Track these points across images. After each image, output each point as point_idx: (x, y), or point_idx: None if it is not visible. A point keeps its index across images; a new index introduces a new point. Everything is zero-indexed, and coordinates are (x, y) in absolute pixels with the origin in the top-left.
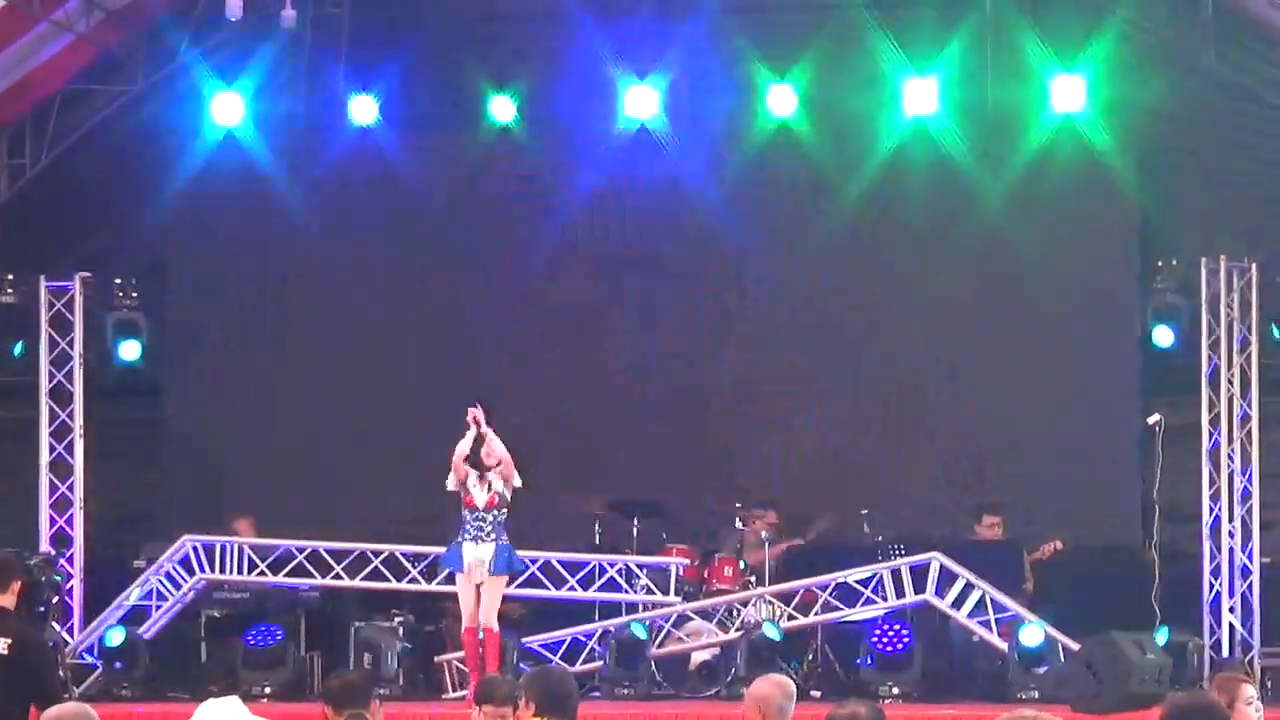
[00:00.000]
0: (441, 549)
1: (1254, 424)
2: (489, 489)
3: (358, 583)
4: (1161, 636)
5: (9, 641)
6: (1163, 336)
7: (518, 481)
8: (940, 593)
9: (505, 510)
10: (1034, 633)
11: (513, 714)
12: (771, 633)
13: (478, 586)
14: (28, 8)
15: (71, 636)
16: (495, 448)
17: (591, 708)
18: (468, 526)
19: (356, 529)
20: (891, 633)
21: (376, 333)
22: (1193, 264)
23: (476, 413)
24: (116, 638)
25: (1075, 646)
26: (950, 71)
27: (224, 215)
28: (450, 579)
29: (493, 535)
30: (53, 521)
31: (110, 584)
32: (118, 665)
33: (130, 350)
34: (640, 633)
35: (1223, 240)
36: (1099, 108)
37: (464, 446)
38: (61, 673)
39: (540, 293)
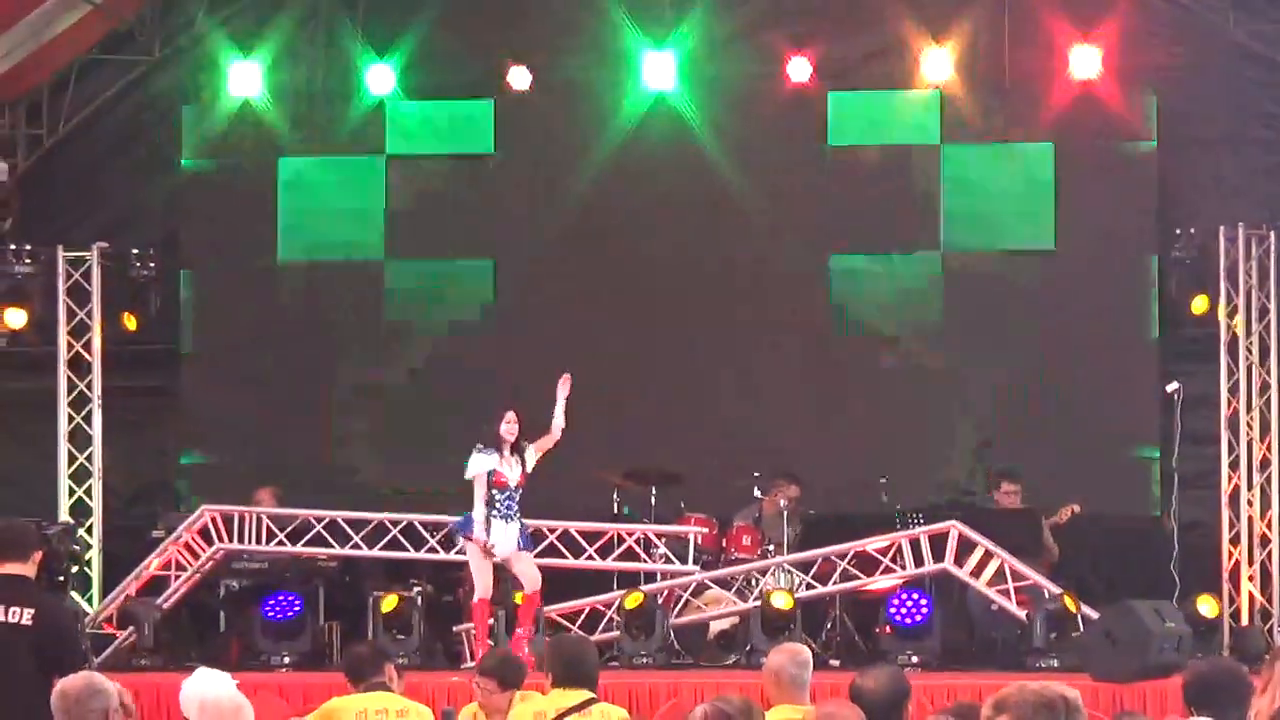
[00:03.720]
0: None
1: (1273, 392)
2: (519, 468)
3: (376, 552)
4: (1208, 606)
5: (33, 612)
6: (1180, 305)
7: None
8: (959, 561)
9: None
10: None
11: (496, 687)
12: (780, 601)
13: (497, 563)
14: None
15: (90, 606)
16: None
17: (610, 677)
18: (498, 504)
19: (376, 498)
20: (910, 602)
21: (394, 302)
22: (1211, 232)
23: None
24: (135, 609)
25: (1094, 615)
26: (966, 39)
27: (241, 185)
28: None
29: (518, 514)
30: (71, 492)
31: (129, 554)
32: (136, 635)
33: (147, 320)
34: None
35: (1241, 208)
36: (1115, 74)
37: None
38: (83, 643)
39: (555, 262)
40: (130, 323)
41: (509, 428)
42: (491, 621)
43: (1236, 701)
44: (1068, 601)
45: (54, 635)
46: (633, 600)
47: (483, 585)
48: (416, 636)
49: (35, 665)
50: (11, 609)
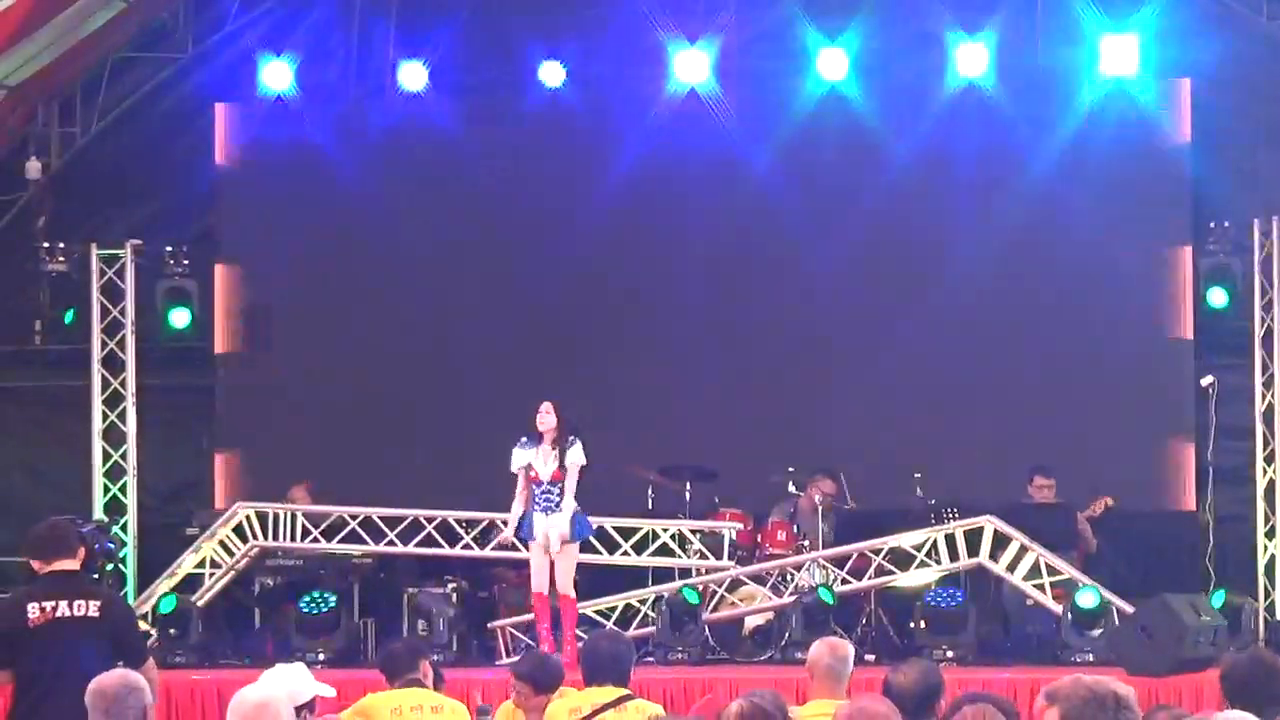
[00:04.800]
0: (495, 514)
1: None
2: (554, 462)
3: (411, 549)
4: (1218, 599)
5: (99, 604)
6: (1216, 298)
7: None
8: (994, 556)
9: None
10: (1089, 596)
11: (531, 691)
12: (826, 597)
13: (551, 556)
14: None
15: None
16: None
17: (645, 673)
18: (537, 499)
19: (411, 495)
20: (945, 596)
21: (428, 299)
22: (1245, 225)
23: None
24: (169, 606)
25: (1129, 609)
26: (998, 33)
27: (274, 183)
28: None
29: (559, 506)
30: (106, 490)
31: (164, 552)
32: (171, 632)
33: (181, 318)
34: (693, 598)
35: (1275, 201)
36: (1150, 69)
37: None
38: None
39: (591, 259)
40: (180, 320)
41: (543, 419)
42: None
43: (1273, 693)
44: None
45: (122, 625)
46: (691, 595)
47: (535, 580)
48: (453, 632)
49: (105, 656)
50: (76, 602)
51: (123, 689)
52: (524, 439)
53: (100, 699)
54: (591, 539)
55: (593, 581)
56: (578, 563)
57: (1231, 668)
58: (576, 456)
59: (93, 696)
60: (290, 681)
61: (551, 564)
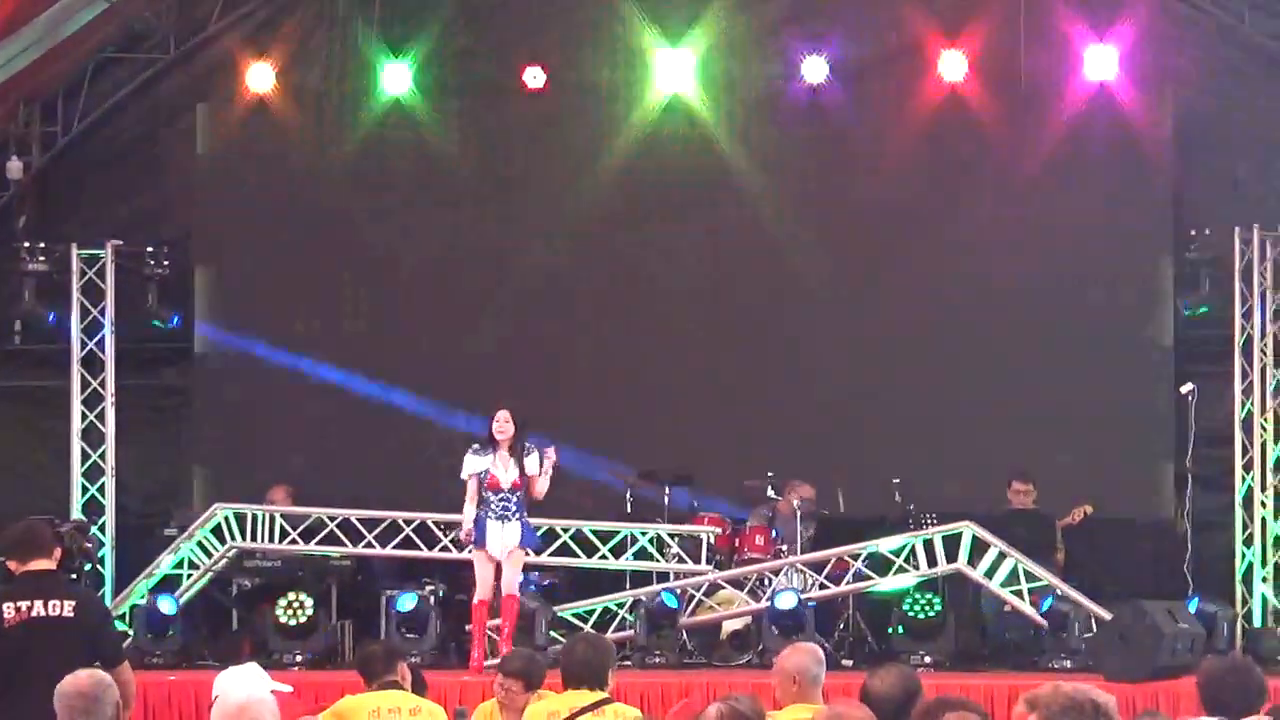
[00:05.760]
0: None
1: None
2: (515, 470)
3: (389, 551)
4: (1221, 607)
5: (74, 603)
6: (1196, 305)
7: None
8: (972, 562)
9: (526, 490)
10: (1060, 602)
11: (521, 689)
12: (783, 602)
13: (498, 563)
14: None
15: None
16: (542, 491)
17: (623, 676)
18: (493, 505)
19: (390, 497)
20: (923, 602)
21: (409, 300)
22: (1226, 233)
23: (551, 454)
24: (166, 606)
25: (1107, 616)
26: (981, 40)
27: (255, 184)
28: None
29: (516, 514)
30: (84, 489)
31: (142, 552)
32: (148, 634)
33: (162, 318)
34: (671, 602)
35: (1256, 209)
36: (1132, 76)
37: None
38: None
39: (572, 261)
40: (160, 321)
41: (499, 427)
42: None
43: (1249, 700)
44: None
45: (97, 625)
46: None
47: (481, 587)
48: (431, 635)
49: (80, 656)
50: (51, 602)
51: (98, 688)
52: (476, 445)
53: (78, 699)
54: (570, 542)
55: (571, 585)
56: (557, 567)
57: (1209, 674)
58: (534, 466)
59: (64, 697)
60: (247, 682)
61: (500, 567)
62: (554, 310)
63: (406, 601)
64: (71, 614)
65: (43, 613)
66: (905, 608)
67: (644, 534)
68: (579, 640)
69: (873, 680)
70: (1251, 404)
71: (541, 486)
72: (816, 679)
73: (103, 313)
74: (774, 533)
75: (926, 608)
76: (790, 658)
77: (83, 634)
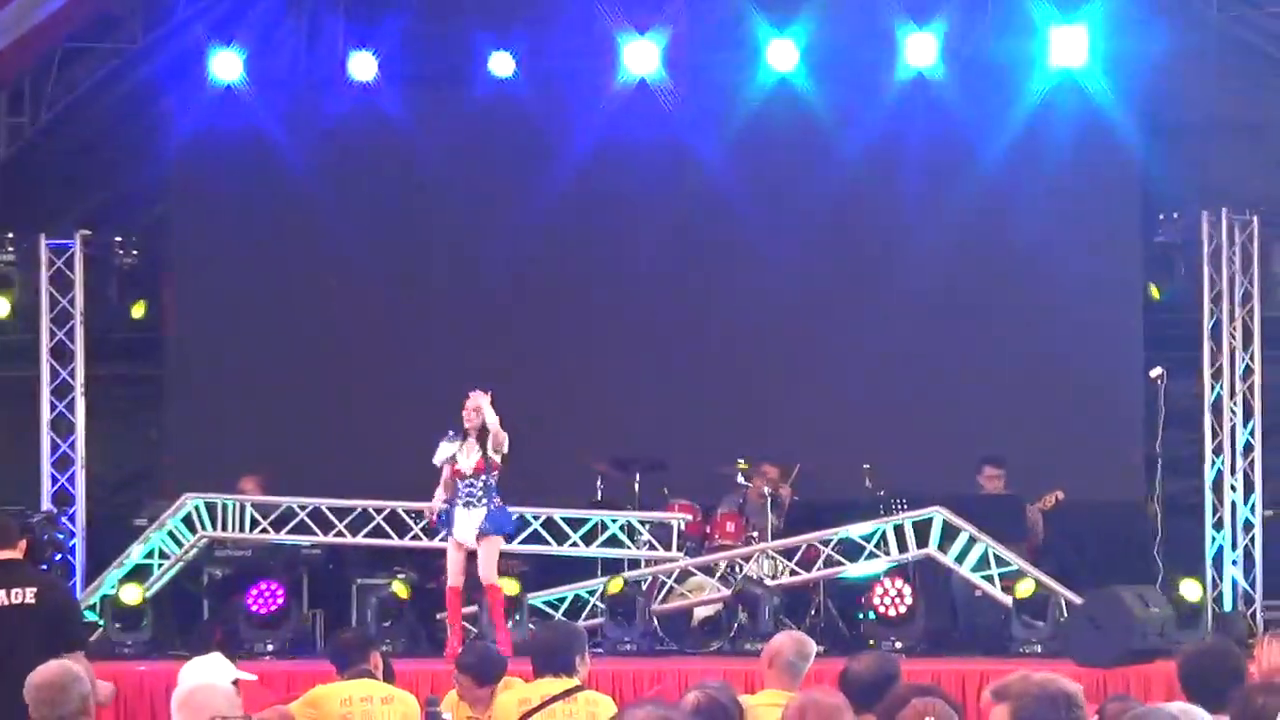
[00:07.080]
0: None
1: (1255, 377)
2: (476, 455)
3: (360, 539)
4: (1191, 589)
5: (35, 590)
6: (1165, 290)
7: (506, 449)
8: (943, 547)
9: (496, 473)
10: (1027, 585)
11: (472, 684)
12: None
13: (468, 551)
14: None
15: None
16: (498, 431)
17: (593, 664)
18: (459, 492)
19: (362, 486)
20: (894, 587)
21: (378, 289)
22: (1194, 217)
23: (481, 400)
24: (129, 595)
25: (1078, 600)
26: (948, 24)
27: (224, 173)
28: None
29: (484, 500)
30: (54, 480)
31: (112, 542)
32: (118, 624)
33: (130, 308)
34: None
35: (1224, 193)
36: (1100, 60)
37: (450, 452)
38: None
39: (541, 250)
40: (129, 311)
41: (466, 414)
42: (475, 609)
43: (1227, 683)
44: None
45: (59, 611)
46: (614, 586)
47: (451, 573)
48: (402, 624)
49: (42, 643)
50: (14, 590)
51: (65, 678)
52: (450, 432)
53: (46, 689)
54: (540, 529)
55: (541, 572)
56: (528, 554)
57: (1189, 657)
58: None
59: (34, 689)
60: (209, 671)
61: (474, 555)
62: (524, 296)
63: (381, 590)
64: (33, 600)
65: (5, 601)
66: (876, 593)
67: (615, 521)
68: (549, 628)
69: (853, 663)
70: (1221, 387)
71: (493, 426)
72: (795, 667)
73: (71, 303)
74: (745, 519)
75: (897, 593)
76: (776, 641)
77: (43, 619)
